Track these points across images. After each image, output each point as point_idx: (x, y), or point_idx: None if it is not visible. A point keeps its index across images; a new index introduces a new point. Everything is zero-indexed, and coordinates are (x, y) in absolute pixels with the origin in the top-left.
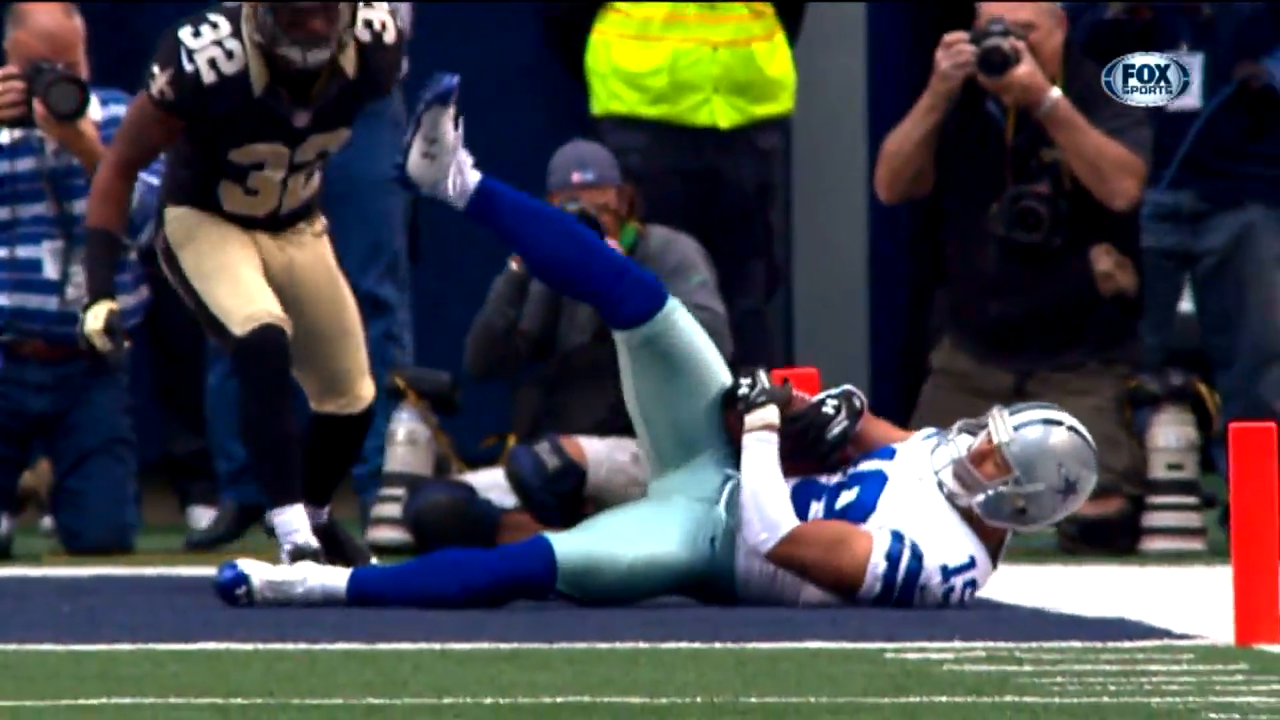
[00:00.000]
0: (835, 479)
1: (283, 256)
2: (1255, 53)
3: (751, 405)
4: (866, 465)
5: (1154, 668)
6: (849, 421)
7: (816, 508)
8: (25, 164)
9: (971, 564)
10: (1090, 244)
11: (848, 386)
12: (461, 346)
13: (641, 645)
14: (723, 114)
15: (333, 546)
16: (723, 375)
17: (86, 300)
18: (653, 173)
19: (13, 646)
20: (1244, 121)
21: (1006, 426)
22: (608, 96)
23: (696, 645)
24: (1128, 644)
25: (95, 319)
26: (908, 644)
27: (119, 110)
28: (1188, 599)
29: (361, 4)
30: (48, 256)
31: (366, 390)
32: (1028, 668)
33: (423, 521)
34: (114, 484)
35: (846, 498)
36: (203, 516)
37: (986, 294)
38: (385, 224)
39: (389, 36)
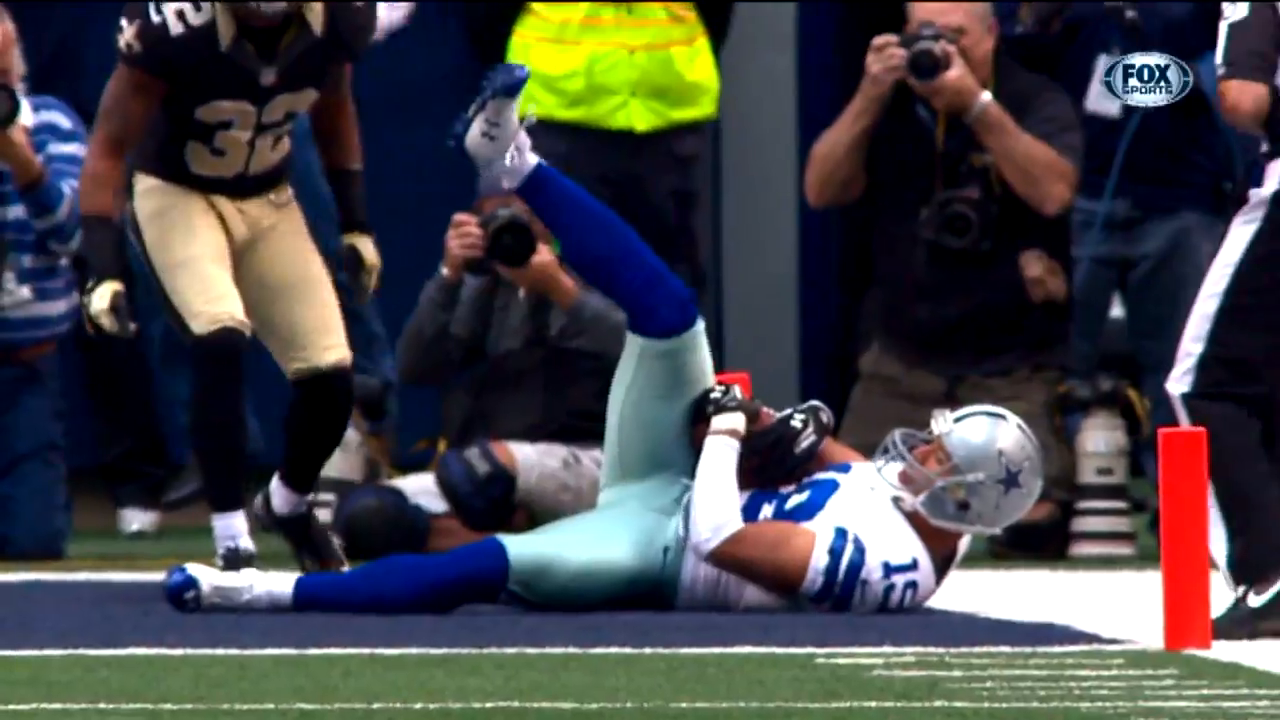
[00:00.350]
0: (790, 488)
1: (247, 220)
2: (1186, 57)
3: (721, 408)
4: (821, 475)
5: (1083, 672)
6: (816, 437)
7: (767, 510)
8: None
9: (914, 565)
10: (1020, 249)
11: (815, 402)
12: (393, 351)
13: (572, 650)
14: (640, 117)
15: (304, 539)
16: None
17: (91, 282)
18: (571, 176)
19: None
20: (1171, 125)
21: (948, 419)
22: (525, 99)
23: (627, 650)
24: (1057, 649)
25: (101, 299)
26: (838, 649)
27: (51, 117)
28: (1117, 604)
29: None
30: None
31: (331, 350)
32: (957, 673)
33: (353, 526)
34: (45, 489)
35: (797, 500)
36: (134, 519)
37: (916, 298)
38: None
39: None
